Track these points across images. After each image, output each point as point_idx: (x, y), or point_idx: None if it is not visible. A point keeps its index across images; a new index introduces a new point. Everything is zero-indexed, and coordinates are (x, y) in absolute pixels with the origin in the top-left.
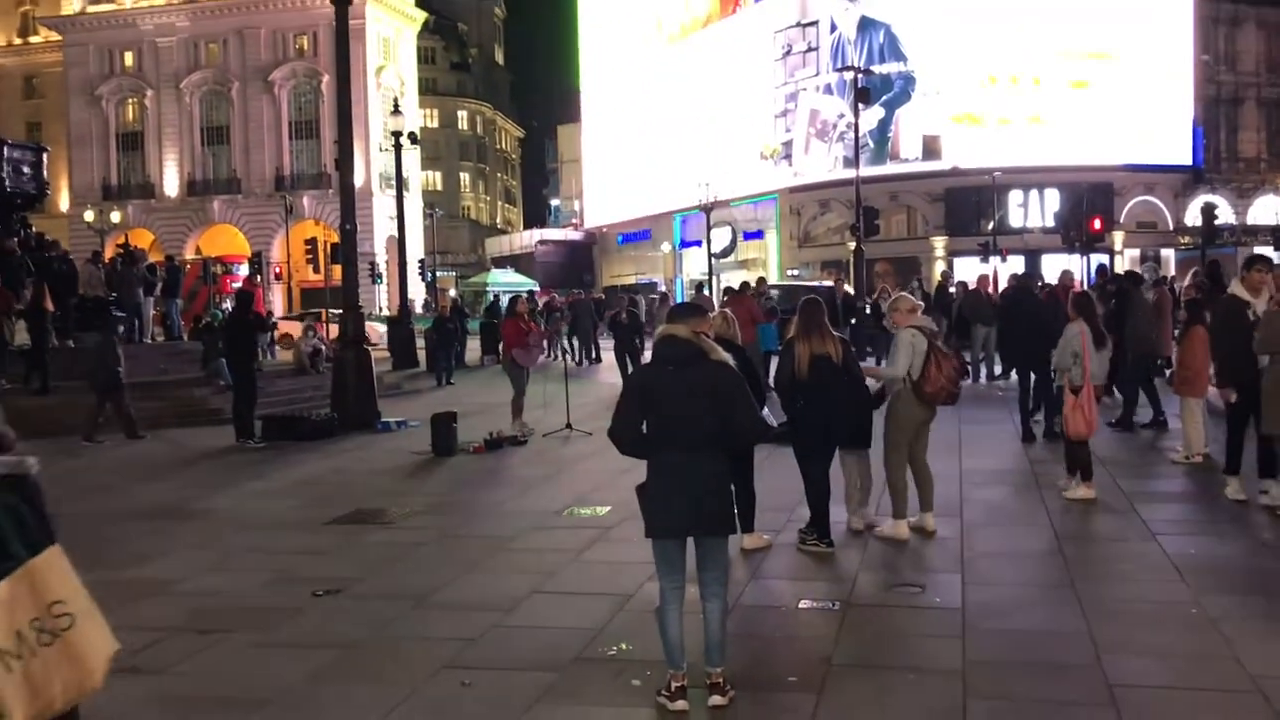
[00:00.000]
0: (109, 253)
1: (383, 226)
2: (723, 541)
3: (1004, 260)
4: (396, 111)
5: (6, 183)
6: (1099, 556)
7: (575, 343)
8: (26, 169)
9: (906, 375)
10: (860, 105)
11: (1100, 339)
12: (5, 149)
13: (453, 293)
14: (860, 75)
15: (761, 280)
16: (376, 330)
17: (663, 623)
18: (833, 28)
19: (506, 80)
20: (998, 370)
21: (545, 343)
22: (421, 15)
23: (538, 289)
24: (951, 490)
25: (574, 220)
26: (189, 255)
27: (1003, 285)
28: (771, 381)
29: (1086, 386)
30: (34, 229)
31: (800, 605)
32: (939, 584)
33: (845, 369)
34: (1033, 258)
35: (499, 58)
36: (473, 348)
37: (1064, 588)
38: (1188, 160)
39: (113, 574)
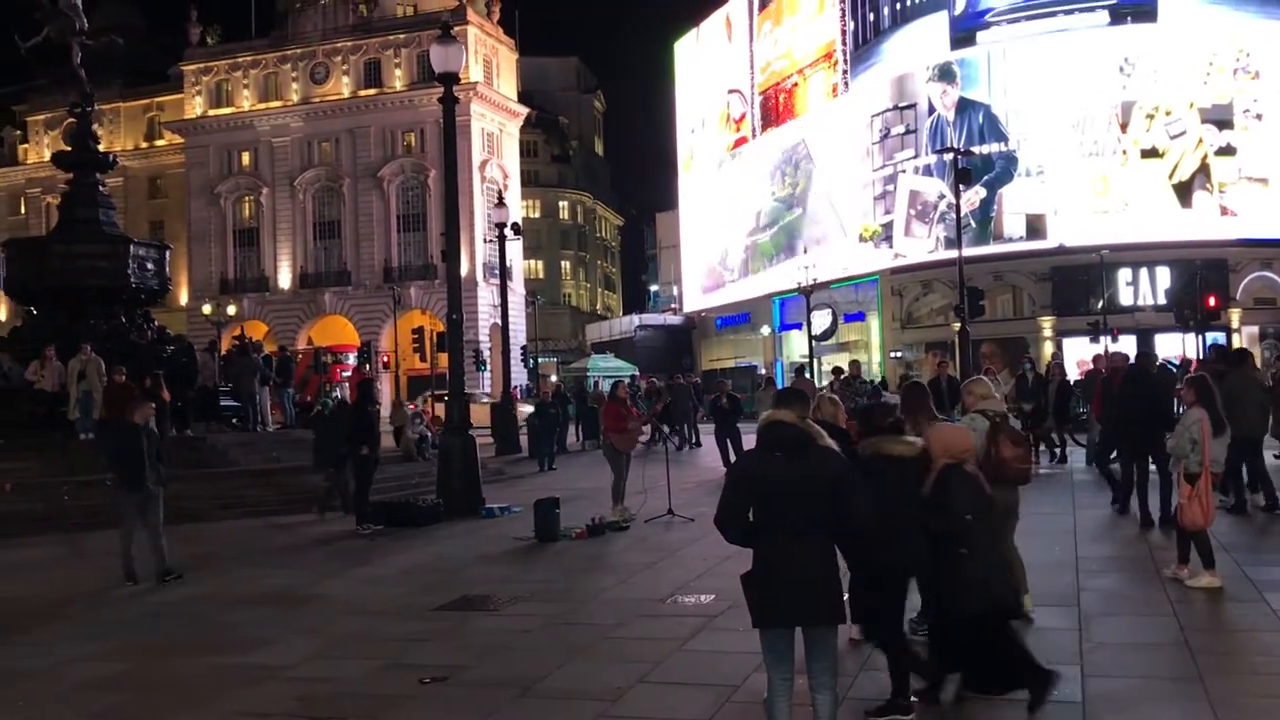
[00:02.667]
0: (225, 344)
1: (486, 314)
2: (832, 631)
3: (1115, 340)
4: (500, 204)
5: (133, 279)
6: (1228, 648)
7: (674, 427)
8: (151, 266)
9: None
10: (961, 186)
11: (1220, 425)
12: (132, 247)
13: (554, 378)
14: (960, 156)
15: (855, 364)
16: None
17: (772, 715)
18: (930, 109)
19: (606, 170)
20: (1113, 454)
21: (646, 427)
22: (524, 110)
23: (637, 374)
24: (1067, 578)
25: (673, 305)
26: (301, 346)
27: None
28: None
29: (1205, 475)
30: (156, 322)
31: (913, 698)
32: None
33: None
34: (1145, 336)
35: (598, 148)
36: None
37: (1191, 681)
38: None
39: (225, 659)
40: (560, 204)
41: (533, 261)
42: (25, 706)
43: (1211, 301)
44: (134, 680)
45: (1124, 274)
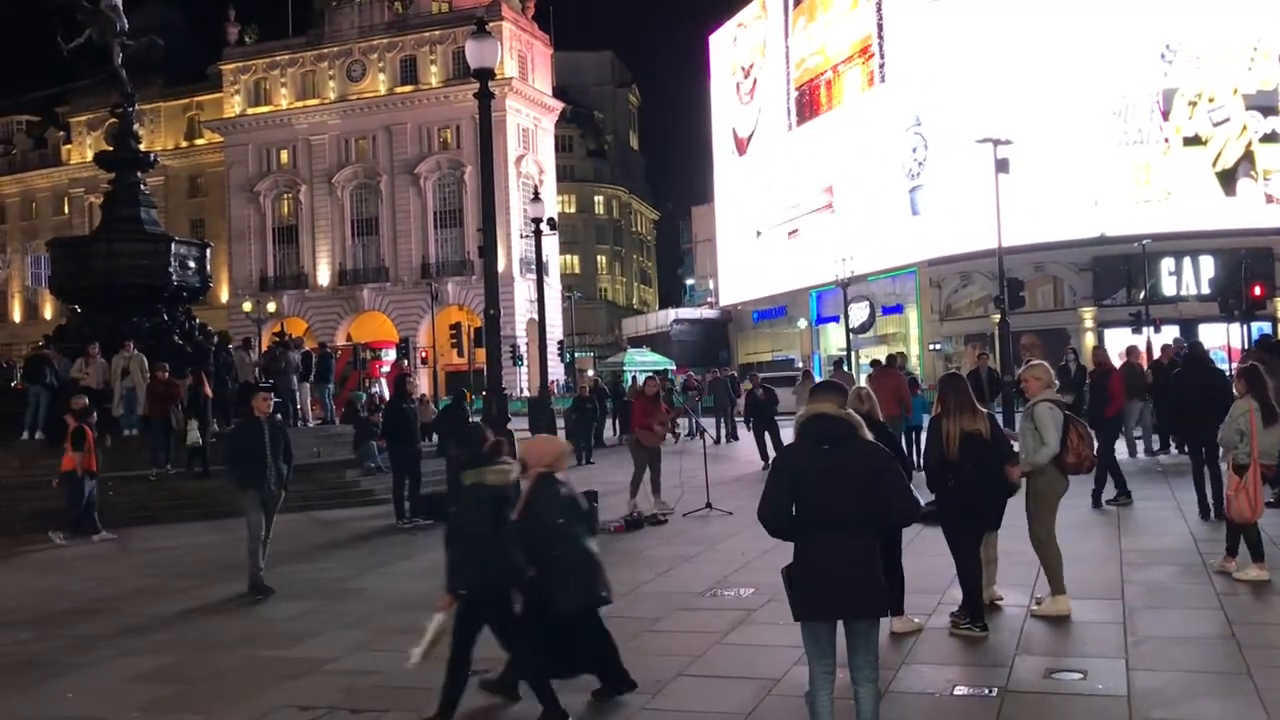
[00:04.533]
0: (265, 341)
1: (523, 310)
2: (874, 624)
3: (1157, 330)
4: (536, 199)
5: (174, 277)
6: (1277, 642)
7: (714, 421)
8: (192, 264)
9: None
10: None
11: (1271, 415)
12: (173, 246)
13: (590, 373)
14: (998, 145)
15: (900, 355)
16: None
17: (814, 708)
18: None
19: (641, 164)
20: (1155, 445)
21: (674, 422)
22: (559, 105)
23: (674, 368)
24: (1111, 571)
25: (709, 299)
26: (340, 342)
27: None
28: (920, 460)
29: (1253, 467)
30: (197, 320)
31: (955, 692)
32: (1101, 670)
33: (995, 447)
34: (1188, 327)
35: (633, 143)
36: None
37: (1239, 676)
38: None
39: (268, 652)
40: (596, 198)
41: (569, 256)
42: (74, 699)
43: (1257, 291)
44: (180, 673)
45: (1167, 264)
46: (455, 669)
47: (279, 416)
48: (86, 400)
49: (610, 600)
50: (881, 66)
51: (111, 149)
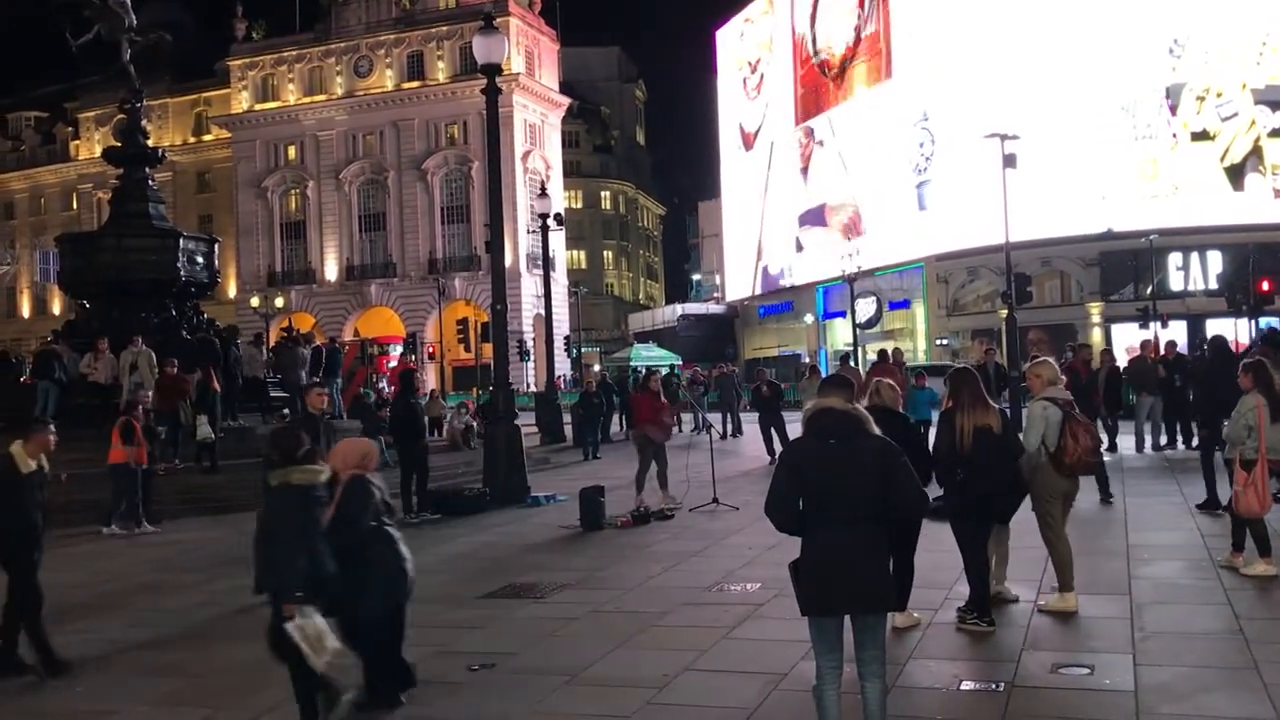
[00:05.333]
0: (274, 337)
1: (530, 305)
2: (882, 619)
3: (1165, 326)
4: (543, 194)
5: (182, 273)
6: None
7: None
8: (200, 259)
9: (1043, 447)
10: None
11: (1279, 410)
12: (182, 241)
13: (597, 368)
14: (1006, 140)
15: (898, 350)
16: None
17: (821, 703)
18: None
19: (647, 160)
20: (1163, 440)
21: (687, 416)
22: (565, 101)
23: (680, 363)
24: (1118, 566)
25: (715, 294)
26: (348, 337)
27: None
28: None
29: (1261, 462)
30: (205, 315)
31: (962, 687)
32: (1108, 665)
33: (1005, 441)
34: (1196, 322)
35: (640, 138)
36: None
37: (1247, 670)
38: None
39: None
40: (602, 194)
41: (575, 252)
42: (84, 693)
43: (1265, 286)
44: (191, 667)
45: (1174, 258)
46: (290, 667)
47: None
48: (147, 395)
49: (408, 601)
50: (889, 62)
51: (120, 145)
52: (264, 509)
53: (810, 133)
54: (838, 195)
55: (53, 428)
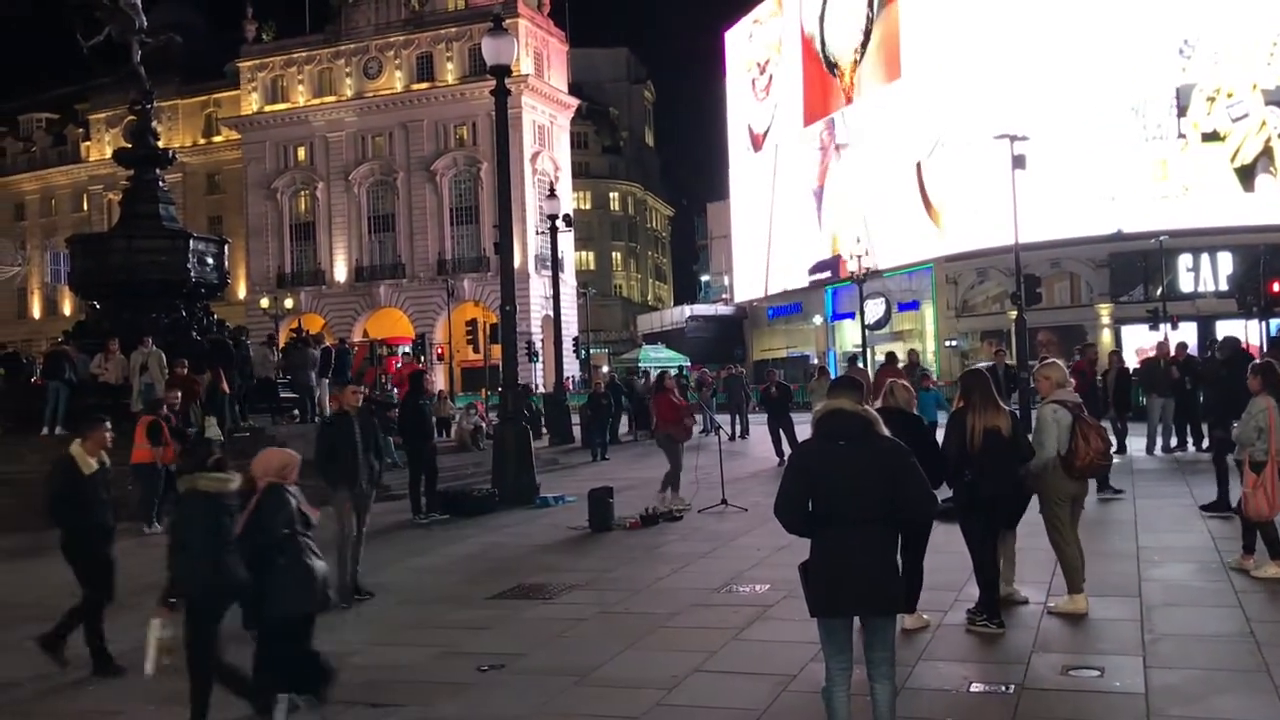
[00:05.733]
0: (283, 338)
1: (538, 306)
2: (891, 621)
3: (1175, 327)
4: (551, 195)
5: (192, 274)
6: None
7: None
8: (210, 260)
9: (1056, 451)
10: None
11: None
12: (192, 242)
13: (605, 369)
14: (1015, 141)
15: (913, 352)
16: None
17: (830, 705)
18: None
19: (656, 160)
20: (1173, 442)
21: (699, 417)
22: (574, 102)
23: (689, 364)
24: (1128, 568)
25: (724, 295)
26: (357, 338)
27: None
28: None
29: (1271, 464)
30: (215, 316)
31: (972, 689)
32: (1119, 667)
33: (1015, 443)
34: (1206, 324)
35: (649, 139)
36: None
37: (1258, 673)
38: None
39: None
40: (611, 195)
41: (584, 253)
42: (95, 691)
43: (1276, 287)
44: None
45: (1184, 260)
46: (199, 679)
47: (371, 410)
48: (179, 395)
49: (327, 608)
50: (898, 62)
51: (130, 146)
52: (173, 517)
53: (826, 147)
54: (852, 224)
55: (108, 423)
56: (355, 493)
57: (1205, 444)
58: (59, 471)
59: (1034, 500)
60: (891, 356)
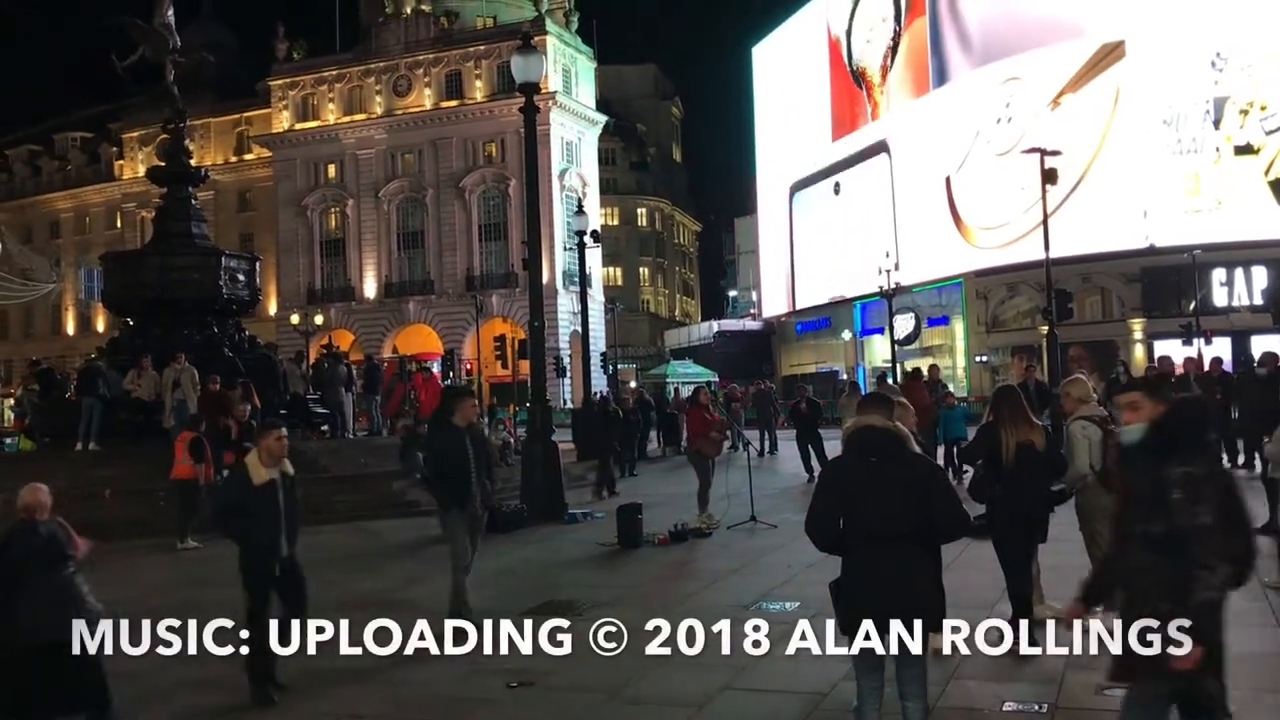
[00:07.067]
0: (314, 354)
1: (566, 322)
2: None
3: (1208, 342)
4: (580, 211)
5: (224, 291)
6: None
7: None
8: (241, 277)
9: (1090, 467)
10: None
11: None
12: (224, 260)
13: (633, 384)
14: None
15: (934, 368)
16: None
17: None
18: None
19: (683, 176)
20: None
21: (726, 432)
22: (602, 119)
23: (716, 380)
24: None
25: (752, 310)
26: (386, 354)
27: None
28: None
29: None
30: (246, 332)
31: (1004, 708)
32: None
33: (1049, 458)
34: (1240, 339)
35: (676, 155)
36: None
37: None
38: None
39: (318, 661)
40: (639, 211)
41: (612, 269)
42: (122, 705)
43: None
44: (229, 681)
45: (1218, 274)
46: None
47: (483, 424)
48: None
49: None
50: (926, 74)
51: (163, 164)
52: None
53: (848, 148)
54: (876, 209)
55: (283, 429)
56: (469, 514)
57: (1240, 459)
58: (228, 481)
59: (1053, 516)
60: (916, 372)
